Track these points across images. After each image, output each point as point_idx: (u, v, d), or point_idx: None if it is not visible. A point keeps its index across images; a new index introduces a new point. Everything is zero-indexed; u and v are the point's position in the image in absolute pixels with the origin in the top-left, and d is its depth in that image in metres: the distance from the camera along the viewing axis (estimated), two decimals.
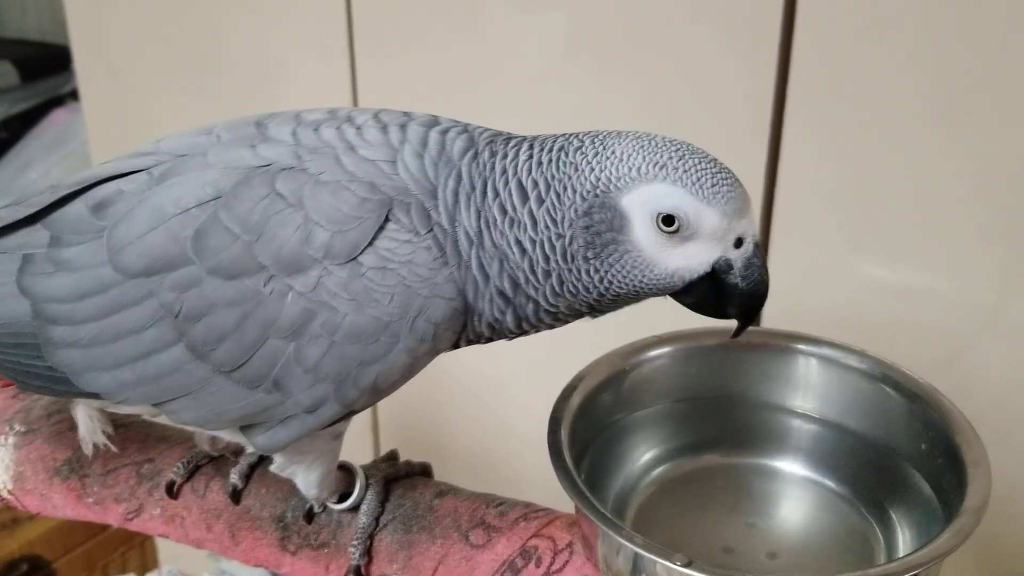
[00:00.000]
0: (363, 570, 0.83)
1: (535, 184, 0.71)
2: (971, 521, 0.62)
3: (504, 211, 0.71)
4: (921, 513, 0.72)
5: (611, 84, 1.27)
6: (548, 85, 1.31)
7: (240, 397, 0.72)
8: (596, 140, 0.71)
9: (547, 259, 0.71)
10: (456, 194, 0.72)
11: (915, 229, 1.12)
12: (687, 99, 1.22)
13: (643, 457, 0.82)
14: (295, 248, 0.69)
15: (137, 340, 0.72)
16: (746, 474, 0.81)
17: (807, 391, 0.82)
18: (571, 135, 0.73)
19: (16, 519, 2.59)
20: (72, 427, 0.98)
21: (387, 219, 0.70)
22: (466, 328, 0.74)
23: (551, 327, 0.76)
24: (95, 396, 0.75)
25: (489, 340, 0.77)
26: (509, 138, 0.75)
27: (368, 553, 0.83)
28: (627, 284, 0.71)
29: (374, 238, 0.70)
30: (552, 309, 0.74)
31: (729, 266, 0.71)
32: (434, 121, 0.76)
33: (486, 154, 0.73)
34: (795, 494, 0.79)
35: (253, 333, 0.70)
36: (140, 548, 2.80)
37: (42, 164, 2.83)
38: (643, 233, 0.69)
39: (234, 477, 0.89)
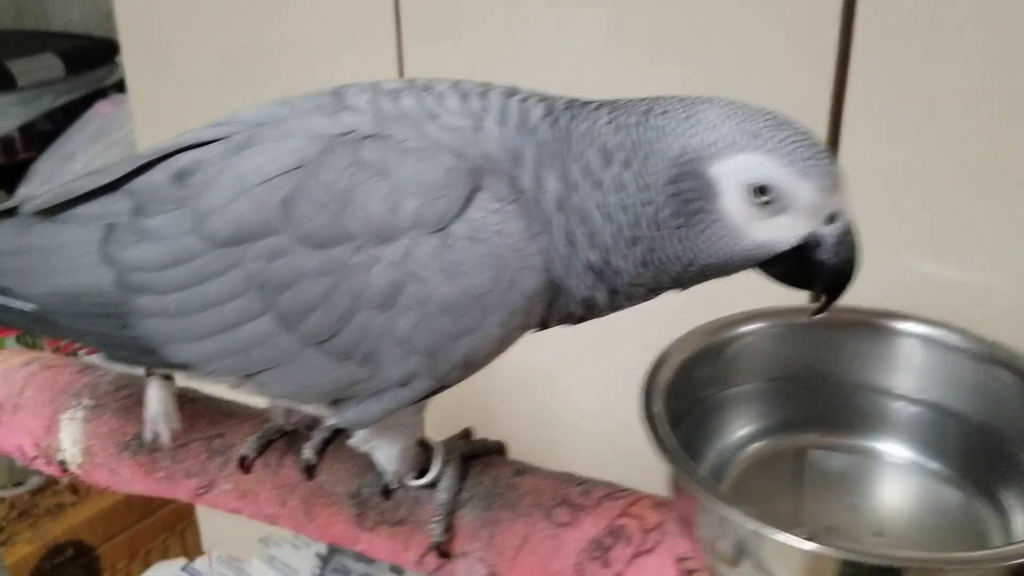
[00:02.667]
0: (444, 547, 0.81)
1: (620, 147, 0.69)
2: None
3: (589, 174, 0.69)
4: None
5: (659, 74, 1.24)
6: (595, 73, 1.28)
7: (331, 370, 0.70)
8: (683, 104, 0.69)
9: (635, 226, 0.69)
10: (539, 160, 0.70)
11: (968, 224, 1.08)
12: (739, 92, 1.19)
13: (736, 434, 0.79)
14: (383, 217, 0.67)
15: (224, 310, 0.70)
16: (844, 455, 0.77)
17: (907, 371, 0.78)
18: (655, 98, 0.70)
19: (60, 504, 2.61)
20: (141, 401, 0.97)
21: (476, 187, 0.68)
22: (554, 305, 0.72)
23: (644, 300, 0.73)
24: (183, 367, 0.73)
25: (581, 319, 0.74)
26: (587, 102, 0.73)
27: (449, 530, 0.81)
28: (714, 255, 0.69)
29: (463, 207, 0.68)
30: (639, 282, 0.71)
31: (818, 241, 0.68)
32: (513, 90, 0.74)
33: (566, 117, 0.71)
34: (896, 476, 0.76)
35: (343, 304, 0.68)
36: (181, 536, 2.81)
37: (85, 155, 2.85)
38: (733, 203, 0.67)
39: (308, 452, 0.87)
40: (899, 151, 1.10)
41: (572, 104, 0.72)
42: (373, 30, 1.51)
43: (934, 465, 0.76)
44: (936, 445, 0.76)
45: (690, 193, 0.67)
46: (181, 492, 0.93)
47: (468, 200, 0.68)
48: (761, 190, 0.66)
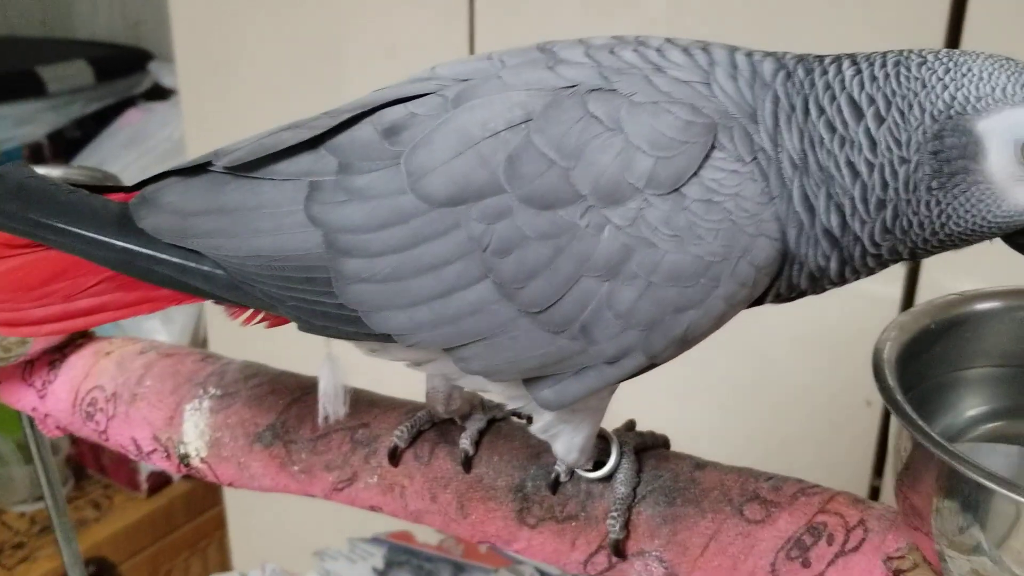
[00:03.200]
0: (620, 546, 0.77)
1: (871, 100, 0.64)
2: None
3: (833, 129, 0.65)
4: None
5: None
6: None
7: (543, 344, 0.66)
8: (945, 56, 0.64)
9: (885, 186, 0.64)
10: (776, 116, 0.66)
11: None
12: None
13: (967, 412, 0.75)
14: (615, 176, 0.63)
15: (440, 275, 0.65)
16: None
17: None
18: (907, 50, 0.66)
19: (83, 520, 2.53)
20: (273, 391, 0.92)
21: (712, 145, 0.64)
22: (780, 278, 0.67)
23: (870, 273, 0.69)
24: (386, 337, 0.68)
25: (800, 295, 0.70)
26: (821, 56, 0.69)
27: (626, 527, 0.77)
28: (967, 221, 0.65)
29: (700, 166, 0.64)
30: (875, 251, 0.67)
31: None
32: (735, 47, 0.71)
33: (800, 72, 0.67)
34: None
35: (566, 270, 0.63)
36: (203, 555, 2.73)
37: (115, 164, 2.80)
38: (999, 163, 0.62)
39: (465, 442, 0.82)
40: None
41: (804, 58, 0.69)
42: (443, 26, 1.49)
43: None
44: None
45: (954, 151, 0.63)
46: (317, 487, 0.88)
47: (705, 158, 0.64)
48: None
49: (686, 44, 0.70)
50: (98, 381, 0.96)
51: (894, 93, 0.64)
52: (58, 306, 0.69)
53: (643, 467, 0.79)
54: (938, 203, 0.64)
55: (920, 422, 0.62)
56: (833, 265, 0.68)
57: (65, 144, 2.97)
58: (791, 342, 1.28)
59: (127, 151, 2.89)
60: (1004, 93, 0.62)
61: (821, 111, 0.65)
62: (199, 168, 0.70)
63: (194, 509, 2.64)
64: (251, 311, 0.73)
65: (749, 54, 0.69)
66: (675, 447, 0.83)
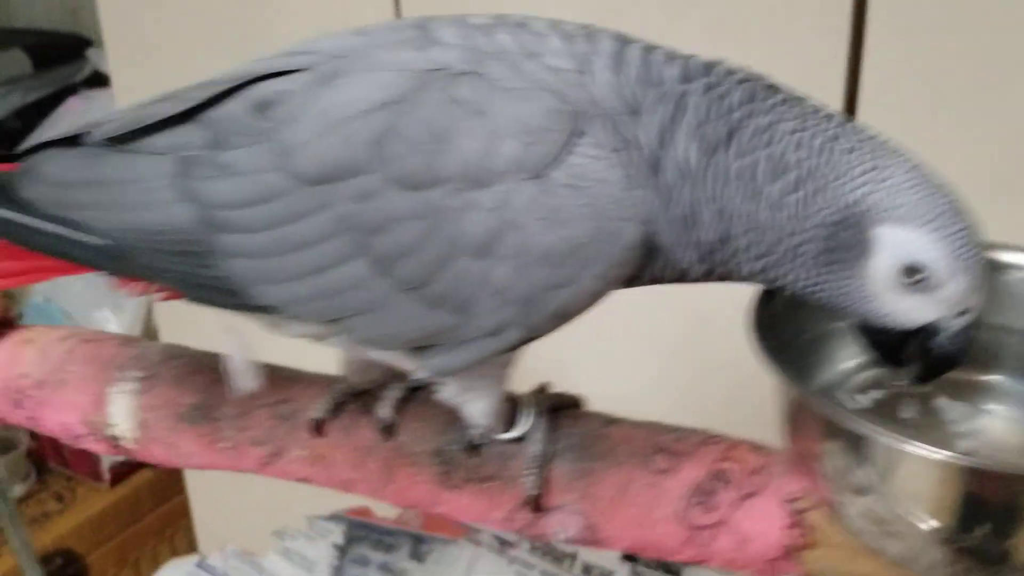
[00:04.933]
0: (538, 501, 0.79)
1: (796, 165, 0.66)
2: None
3: (752, 178, 0.67)
4: None
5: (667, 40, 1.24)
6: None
7: (422, 317, 0.68)
8: (872, 148, 0.66)
9: (773, 245, 0.68)
10: (675, 120, 0.67)
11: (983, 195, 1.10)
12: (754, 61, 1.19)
13: (842, 364, 0.79)
14: (479, 160, 0.64)
15: (314, 252, 0.67)
16: (965, 387, 0.78)
17: (1013, 306, 0.78)
18: (841, 123, 0.68)
19: (47, 513, 2.52)
20: (196, 371, 0.93)
21: (577, 132, 0.66)
22: (649, 265, 0.70)
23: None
24: (268, 309, 0.70)
25: (670, 281, 0.73)
26: (768, 85, 0.69)
27: (543, 484, 0.79)
28: (836, 300, 0.69)
29: (563, 152, 0.65)
30: (747, 277, 0.71)
31: (938, 329, 0.68)
32: (625, 37, 0.71)
33: (735, 97, 0.67)
34: (1012, 409, 0.77)
35: (438, 250, 0.65)
36: (170, 541, 2.73)
37: None
38: (881, 270, 0.66)
39: (385, 411, 0.84)
40: (916, 119, 1.11)
41: (747, 80, 0.69)
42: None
43: None
44: None
45: (843, 243, 0.66)
46: (246, 462, 0.89)
47: (569, 145, 0.65)
48: (914, 270, 0.66)
49: (572, 30, 0.71)
50: (23, 369, 0.97)
51: (816, 169, 0.66)
52: None
53: (558, 427, 0.82)
54: (815, 276, 0.68)
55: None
56: (697, 270, 0.71)
57: (5, 135, 2.92)
58: (720, 306, 1.31)
59: None
60: (912, 212, 0.65)
61: (744, 155, 0.67)
62: (73, 139, 0.70)
63: (158, 497, 2.64)
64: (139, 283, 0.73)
65: (649, 50, 0.70)
66: (606, 407, 0.86)
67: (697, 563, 0.79)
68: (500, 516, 0.82)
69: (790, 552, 0.74)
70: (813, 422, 0.67)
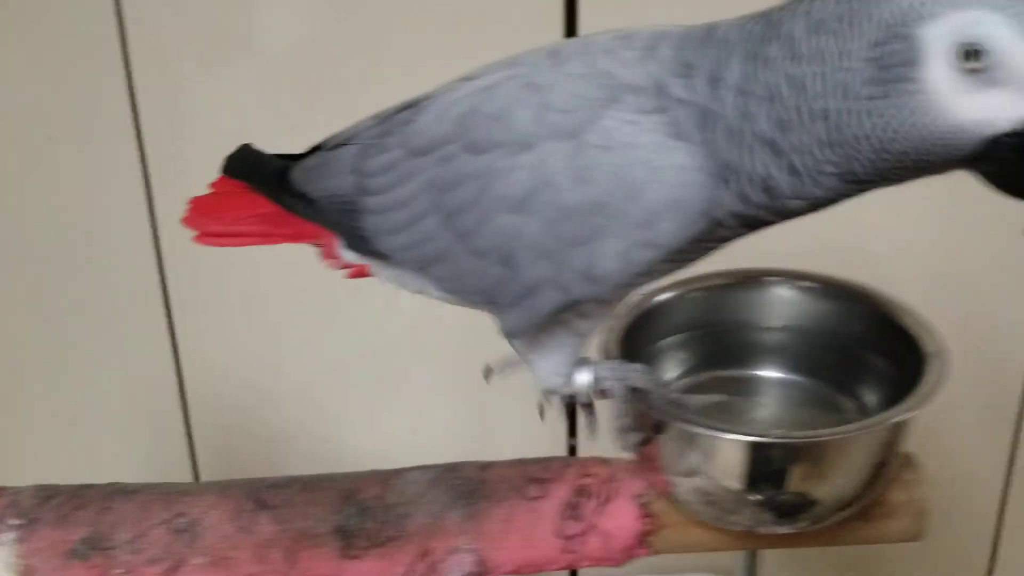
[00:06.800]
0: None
1: (831, 16, 0.63)
2: (931, 390, 0.84)
3: (789, 45, 0.65)
4: (884, 390, 0.93)
5: None
6: None
7: (477, 268, 0.79)
8: None
9: (824, 96, 0.63)
10: (719, 57, 0.69)
11: None
12: None
13: (666, 375, 0.99)
14: (528, 127, 0.74)
15: (409, 209, 0.82)
16: (744, 382, 1.00)
17: (780, 312, 1.01)
18: None
19: None
20: (77, 505, 0.95)
21: (615, 100, 0.71)
22: (717, 209, 0.71)
23: (845, 194, 0.69)
24: (386, 256, 0.86)
25: (762, 222, 0.73)
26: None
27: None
28: (910, 136, 0.62)
29: (599, 117, 0.71)
30: (824, 167, 0.66)
31: None
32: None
33: (772, 17, 0.68)
34: (780, 391, 1.00)
35: (487, 205, 0.76)
36: None
37: None
38: (940, 70, 0.60)
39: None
40: None
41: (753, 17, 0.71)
42: None
43: (805, 379, 1.00)
44: (808, 365, 1.00)
45: (893, 57, 0.61)
46: None
47: (604, 110, 0.71)
48: (974, 53, 0.59)
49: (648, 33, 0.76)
50: None
51: (854, 7, 0.63)
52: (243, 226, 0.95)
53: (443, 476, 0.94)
54: (877, 115, 0.62)
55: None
56: (780, 174, 0.68)
57: None
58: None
59: None
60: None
61: (778, 34, 0.66)
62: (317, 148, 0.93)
63: None
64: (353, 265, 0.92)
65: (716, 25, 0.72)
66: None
67: (571, 567, 0.95)
68: (401, 572, 0.93)
69: (641, 538, 0.92)
70: (650, 422, 0.86)
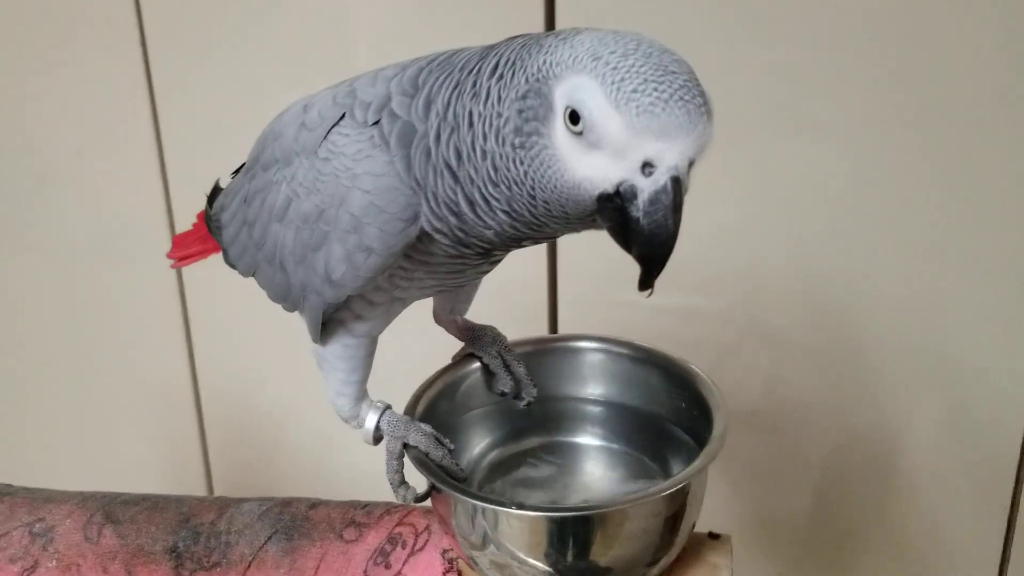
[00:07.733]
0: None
1: (508, 62, 0.68)
2: (717, 445, 0.86)
3: (475, 84, 0.70)
4: (688, 456, 0.95)
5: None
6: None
7: (272, 273, 0.87)
8: (575, 30, 0.66)
9: (485, 137, 0.68)
10: (436, 84, 0.73)
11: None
12: None
13: (478, 446, 1.01)
14: (291, 145, 0.83)
15: (234, 223, 0.92)
16: (558, 449, 1.02)
17: (594, 380, 1.03)
18: (566, 36, 0.67)
19: None
20: None
21: (343, 116, 0.78)
22: (418, 223, 0.75)
23: (512, 241, 0.74)
24: (234, 267, 0.95)
25: (485, 251, 0.77)
26: (480, 48, 0.75)
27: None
28: (547, 186, 0.66)
29: (331, 132, 0.78)
30: (493, 206, 0.71)
31: (633, 194, 0.62)
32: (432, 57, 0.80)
33: (466, 54, 0.75)
34: (597, 457, 1.01)
35: (264, 217, 0.86)
36: None
37: None
38: (560, 129, 0.64)
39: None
40: None
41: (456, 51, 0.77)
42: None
43: (619, 447, 1.01)
44: (620, 432, 1.02)
45: (531, 111, 0.65)
46: None
47: (334, 126, 0.79)
48: (573, 116, 0.62)
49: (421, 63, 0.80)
50: None
51: (520, 57, 0.67)
52: (193, 248, 1.05)
53: (273, 509, 1.00)
54: (521, 162, 0.66)
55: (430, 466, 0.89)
56: (461, 200, 0.71)
57: None
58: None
59: None
60: (574, 61, 0.62)
61: (476, 71, 0.70)
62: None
63: None
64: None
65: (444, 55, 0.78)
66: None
67: None
68: None
69: None
70: (442, 497, 0.89)
